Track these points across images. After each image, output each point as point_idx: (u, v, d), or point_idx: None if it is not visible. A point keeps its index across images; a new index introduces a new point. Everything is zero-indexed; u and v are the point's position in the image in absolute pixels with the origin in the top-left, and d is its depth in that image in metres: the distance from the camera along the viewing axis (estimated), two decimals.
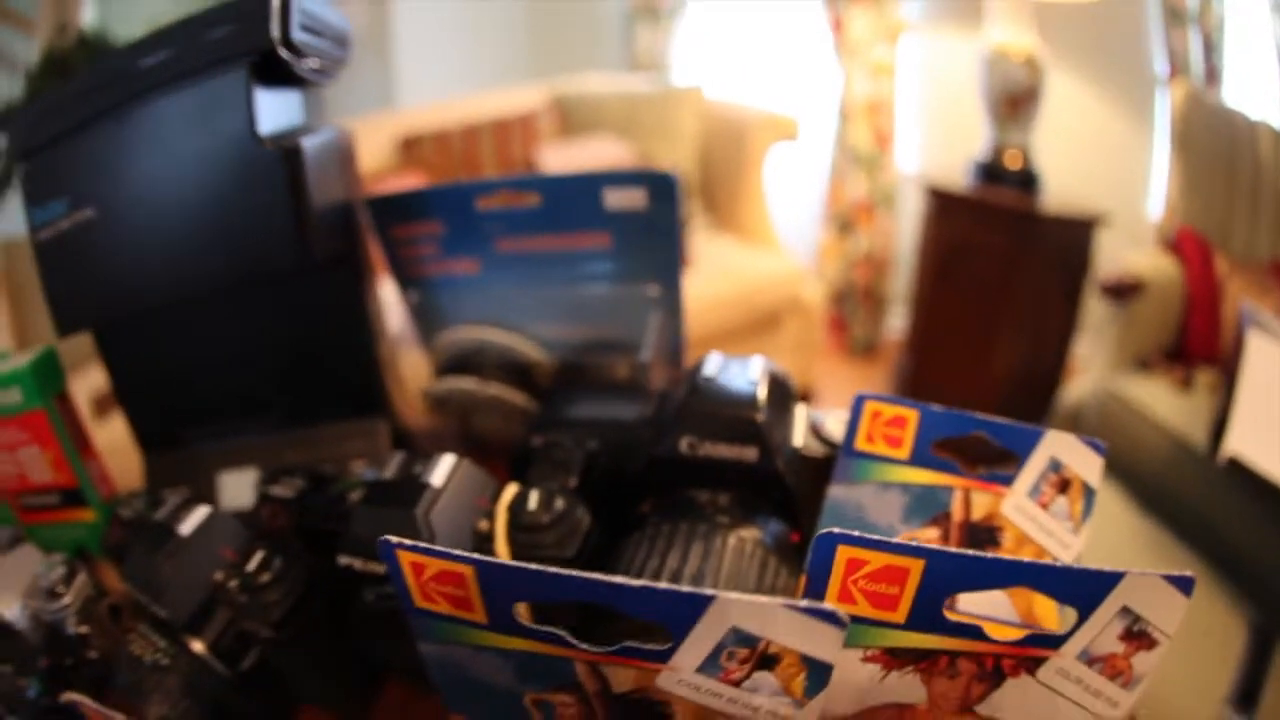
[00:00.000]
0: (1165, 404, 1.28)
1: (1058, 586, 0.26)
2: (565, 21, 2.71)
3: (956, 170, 1.93)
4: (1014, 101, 1.83)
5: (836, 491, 0.38)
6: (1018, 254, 1.82)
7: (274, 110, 0.43)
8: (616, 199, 0.49)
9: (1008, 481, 0.36)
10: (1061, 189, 1.83)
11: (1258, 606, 0.95)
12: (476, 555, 0.26)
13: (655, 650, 0.26)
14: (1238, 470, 0.95)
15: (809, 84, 2.41)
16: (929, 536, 0.38)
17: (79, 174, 0.48)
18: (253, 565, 0.37)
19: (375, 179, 1.87)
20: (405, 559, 0.27)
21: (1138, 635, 0.26)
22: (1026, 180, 1.84)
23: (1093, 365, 1.59)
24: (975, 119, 1.91)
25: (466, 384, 0.50)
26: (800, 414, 0.41)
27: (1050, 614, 0.34)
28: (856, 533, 0.26)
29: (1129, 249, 1.57)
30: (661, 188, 0.47)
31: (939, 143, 2.34)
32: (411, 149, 2.01)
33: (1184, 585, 0.25)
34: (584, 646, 0.27)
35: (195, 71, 0.43)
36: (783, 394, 0.40)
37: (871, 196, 2.31)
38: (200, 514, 0.38)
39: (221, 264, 0.47)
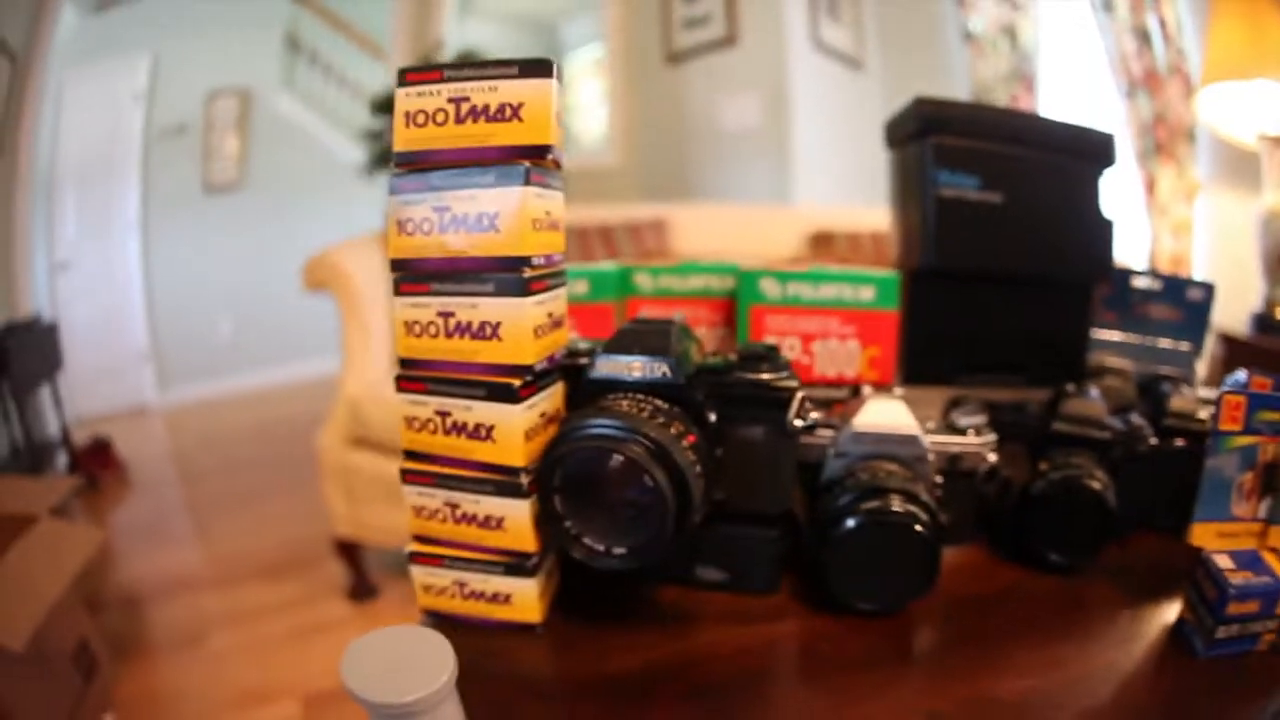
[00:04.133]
0: None
1: None
2: None
3: (1236, 318, 2.13)
4: None
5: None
6: None
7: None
8: (1191, 293, 0.84)
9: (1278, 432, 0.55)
10: None
11: None
12: (1247, 389, 0.54)
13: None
14: None
15: (1123, 234, 2.69)
16: (1249, 479, 0.56)
17: (994, 169, 0.72)
18: None
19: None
20: (1226, 399, 0.54)
21: None
22: None
23: None
24: (1251, 272, 2.11)
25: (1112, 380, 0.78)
26: None
27: None
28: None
29: None
30: (1210, 291, 0.83)
31: (1226, 293, 2.52)
32: (821, 242, 2.46)
33: None
34: (1267, 432, 0.55)
35: (1076, 155, 0.75)
36: None
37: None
38: None
39: (1058, 264, 0.76)
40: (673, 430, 0.43)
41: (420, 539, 0.49)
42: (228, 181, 4.05)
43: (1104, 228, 0.75)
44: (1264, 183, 2.04)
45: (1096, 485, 0.60)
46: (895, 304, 0.68)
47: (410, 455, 0.48)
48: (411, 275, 0.46)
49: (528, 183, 0.44)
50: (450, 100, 0.44)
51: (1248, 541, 0.57)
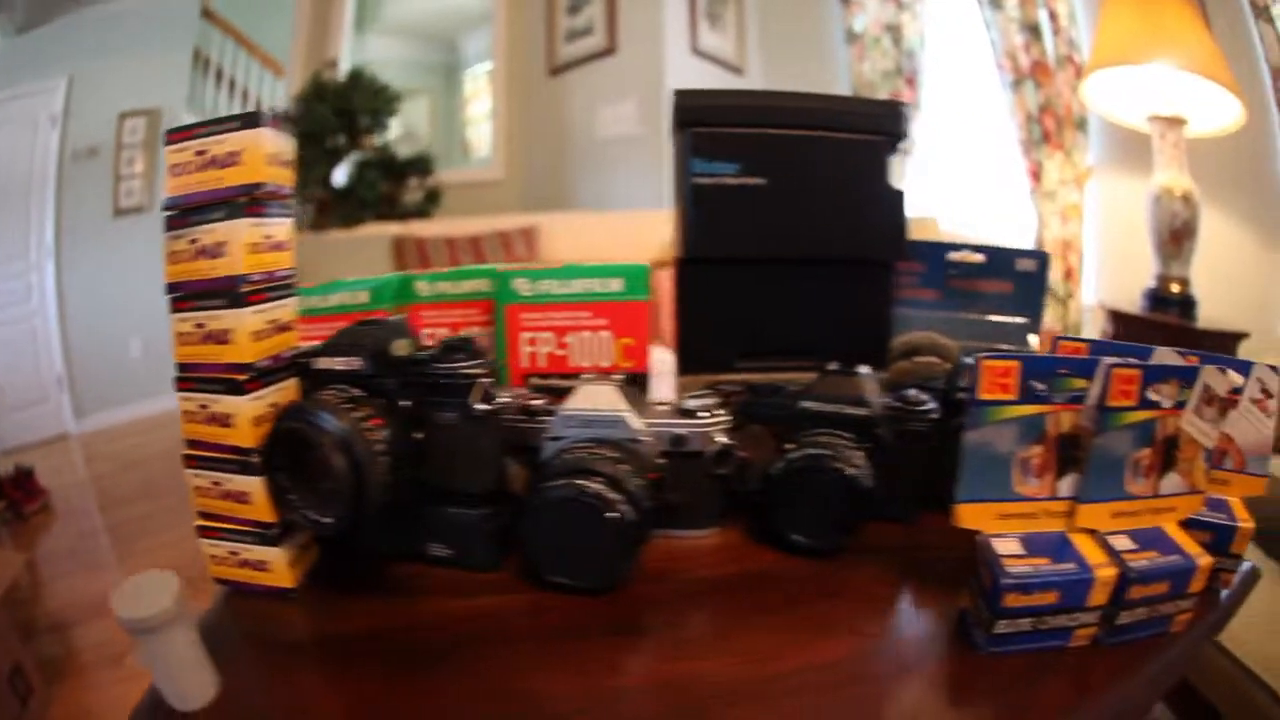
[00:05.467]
0: None
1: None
2: None
3: (1129, 297, 2.25)
4: (1176, 237, 2.13)
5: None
6: None
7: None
8: (1021, 264, 0.81)
9: (1083, 400, 0.52)
10: (1214, 310, 2.13)
11: None
12: (1026, 353, 0.51)
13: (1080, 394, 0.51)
14: None
15: (1010, 221, 2.81)
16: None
17: (754, 154, 0.71)
18: None
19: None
20: (985, 365, 0.49)
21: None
22: (1186, 304, 2.15)
23: None
24: (1145, 253, 2.21)
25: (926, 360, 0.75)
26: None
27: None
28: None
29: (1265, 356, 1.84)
30: (1043, 260, 0.81)
31: (1115, 273, 2.64)
32: None
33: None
34: (1059, 399, 0.51)
35: (855, 130, 0.72)
36: None
37: (1064, 328, 2.66)
38: None
39: (839, 244, 0.74)
40: (358, 414, 0.50)
41: (202, 515, 0.56)
42: (136, 204, 3.98)
43: (893, 203, 0.74)
44: (1155, 163, 2.14)
45: (841, 465, 0.58)
46: (645, 294, 0.70)
47: (189, 443, 0.55)
48: (180, 295, 0.54)
49: (244, 215, 0.53)
50: (196, 153, 0.53)
51: (1050, 523, 0.53)
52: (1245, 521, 0.56)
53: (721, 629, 0.53)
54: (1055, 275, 2.68)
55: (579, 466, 0.54)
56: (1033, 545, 0.51)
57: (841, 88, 3.31)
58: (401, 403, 0.53)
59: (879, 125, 0.73)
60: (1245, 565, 0.58)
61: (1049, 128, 2.64)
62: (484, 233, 2.85)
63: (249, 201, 0.52)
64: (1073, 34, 2.63)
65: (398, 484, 0.52)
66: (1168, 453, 0.52)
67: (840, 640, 0.51)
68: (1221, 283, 2.19)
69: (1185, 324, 2.09)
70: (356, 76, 3.20)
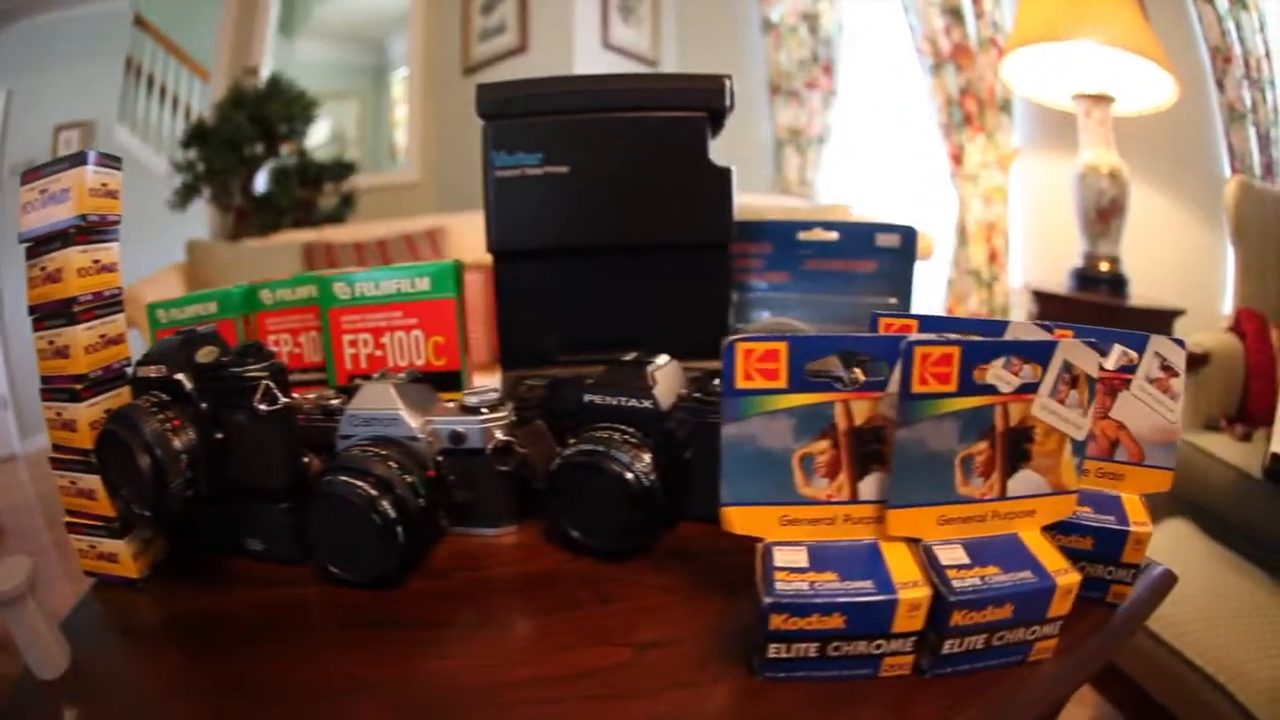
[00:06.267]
0: (1228, 449, 1.49)
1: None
2: (717, 149, 3.41)
3: (1057, 279, 2.24)
4: (1104, 215, 2.10)
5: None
6: None
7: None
8: (882, 239, 0.75)
9: (883, 387, 0.44)
10: (1149, 289, 2.10)
11: None
12: (791, 335, 0.43)
13: (880, 380, 0.44)
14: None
15: (930, 206, 2.78)
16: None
17: (556, 141, 0.70)
18: None
19: None
20: (741, 348, 0.42)
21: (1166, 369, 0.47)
22: (1116, 282, 2.12)
23: None
24: (1073, 233, 2.20)
25: None
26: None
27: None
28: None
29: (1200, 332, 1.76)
30: (908, 235, 0.75)
31: (1043, 256, 2.62)
32: None
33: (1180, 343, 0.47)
34: (850, 386, 0.44)
35: (668, 108, 0.70)
36: None
37: (991, 312, 2.65)
38: None
39: (657, 228, 0.72)
40: (162, 417, 0.55)
41: (68, 511, 0.61)
42: None
43: (714, 181, 0.71)
44: (1081, 141, 2.13)
45: (613, 463, 0.56)
46: (453, 292, 0.70)
47: (53, 447, 0.60)
48: (37, 316, 0.59)
49: (75, 244, 0.58)
50: (40, 191, 0.59)
51: (854, 531, 0.46)
52: (1141, 525, 0.47)
53: (483, 629, 0.52)
54: (979, 258, 2.67)
55: (350, 465, 0.56)
56: (823, 557, 0.44)
57: (757, 77, 3.36)
58: (203, 405, 0.57)
59: (694, 101, 0.70)
60: (1156, 569, 0.51)
61: (970, 110, 2.64)
62: (390, 236, 2.88)
63: (77, 231, 0.58)
64: (996, 17, 2.63)
65: (198, 480, 0.56)
66: (1015, 446, 0.44)
67: (607, 649, 0.47)
68: (1159, 261, 2.19)
69: (1116, 302, 2.08)
70: (275, 84, 3.21)
